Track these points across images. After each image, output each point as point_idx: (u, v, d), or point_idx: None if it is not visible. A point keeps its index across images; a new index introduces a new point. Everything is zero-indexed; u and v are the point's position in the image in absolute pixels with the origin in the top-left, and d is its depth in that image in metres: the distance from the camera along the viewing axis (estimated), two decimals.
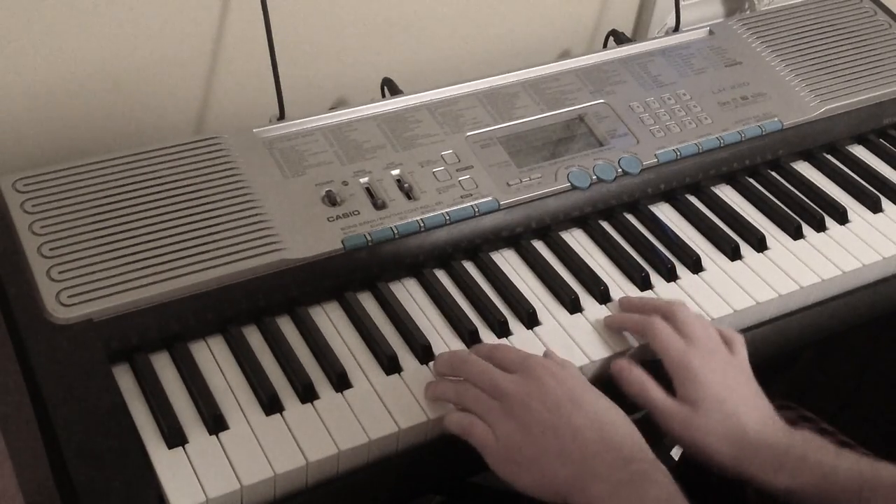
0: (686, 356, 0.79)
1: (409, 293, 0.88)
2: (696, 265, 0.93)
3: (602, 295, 0.89)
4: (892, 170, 1.07)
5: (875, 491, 0.75)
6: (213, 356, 0.81)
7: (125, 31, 0.98)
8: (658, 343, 0.81)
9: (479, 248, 0.92)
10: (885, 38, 1.15)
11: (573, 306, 0.88)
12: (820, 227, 0.98)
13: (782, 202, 1.01)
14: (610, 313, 0.87)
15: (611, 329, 0.85)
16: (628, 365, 0.81)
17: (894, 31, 1.16)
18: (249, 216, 0.85)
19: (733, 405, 0.78)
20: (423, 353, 0.82)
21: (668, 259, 0.93)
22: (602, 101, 1.03)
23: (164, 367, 0.79)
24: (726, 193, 1.02)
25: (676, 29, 1.24)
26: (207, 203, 0.85)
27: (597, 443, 0.71)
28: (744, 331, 0.91)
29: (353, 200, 0.89)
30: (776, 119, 1.04)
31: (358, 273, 0.86)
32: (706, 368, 0.79)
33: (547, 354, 0.80)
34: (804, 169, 1.06)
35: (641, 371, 0.81)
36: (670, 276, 0.92)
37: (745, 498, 0.93)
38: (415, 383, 0.80)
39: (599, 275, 0.91)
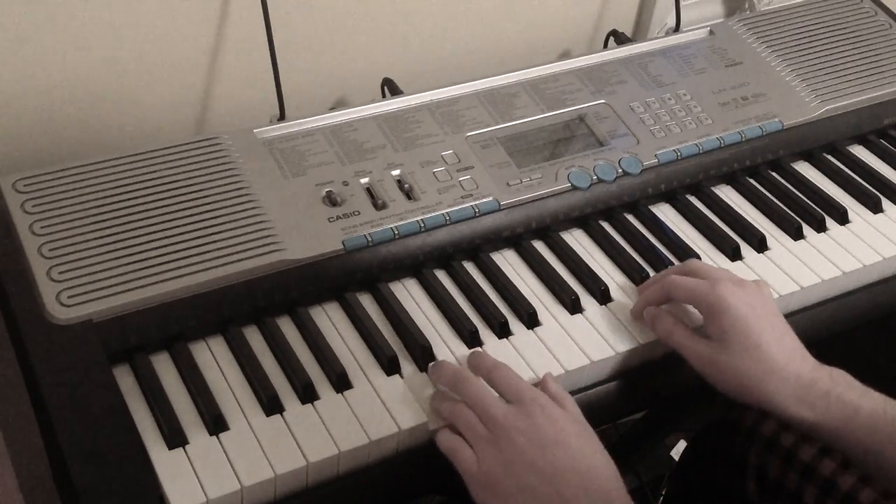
0: (714, 288, 0.81)
1: (410, 293, 0.88)
2: None
3: (602, 295, 0.89)
4: (892, 170, 1.07)
5: (894, 433, 0.76)
6: (213, 356, 0.81)
7: (126, 31, 0.98)
8: (683, 292, 0.83)
9: (479, 248, 0.92)
10: (885, 38, 1.15)
11: (573, 306, 0.88)
12: (820, 227, 0.98)
13: (783, 202, 1.01)
14: (611, 314, 0.87)
15: (637, 318, 0.86)
16: (659, 312, 0.84)
17: (894, 31, 1.16)
18: (249, 216, 0.85)
19: (760, 335, 0.79)
20: (424, 353, 0.82)
21: (669, 259, 0.93)
22: (602, 101, 1.03)
23: (164, 367, 0.79)
24: (727, 194, 1.02)
25: (677, 29, 1.24)
26: (207, 203, 0.85)
27: (576, 487, 0.71)
28: None
29: (354, 201, 0.89)
30: (776, 119, 1.04)
31: (358, 273, 0.86)
32: (734, 296, 0.80)
33: (547, 382, 0.79)
34: (804, 169, 1.06)
35: (672, 317, 0.83)
36: None
37: (745, 498, 0.93)
38: (415, 384, 0.80)
39: (600, 275, 0.91)
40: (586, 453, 0.73)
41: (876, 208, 1.02)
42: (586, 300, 0.89)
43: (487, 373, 0.78)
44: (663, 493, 1.30)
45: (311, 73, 1.11)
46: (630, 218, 0.97)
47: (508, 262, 0.92)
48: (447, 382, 0.78)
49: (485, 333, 0.85)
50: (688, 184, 1.00)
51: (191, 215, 0.84)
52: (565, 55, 1.24)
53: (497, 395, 0.77)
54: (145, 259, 0.81)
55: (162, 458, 0.73)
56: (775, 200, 1.01)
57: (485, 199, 0.92)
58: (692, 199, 1.01)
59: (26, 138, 0.99)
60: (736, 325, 0.79)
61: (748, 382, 0.79)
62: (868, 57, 1.13)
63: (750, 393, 0.79)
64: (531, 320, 0.86)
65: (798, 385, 0.78)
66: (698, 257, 0.93)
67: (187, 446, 0.74)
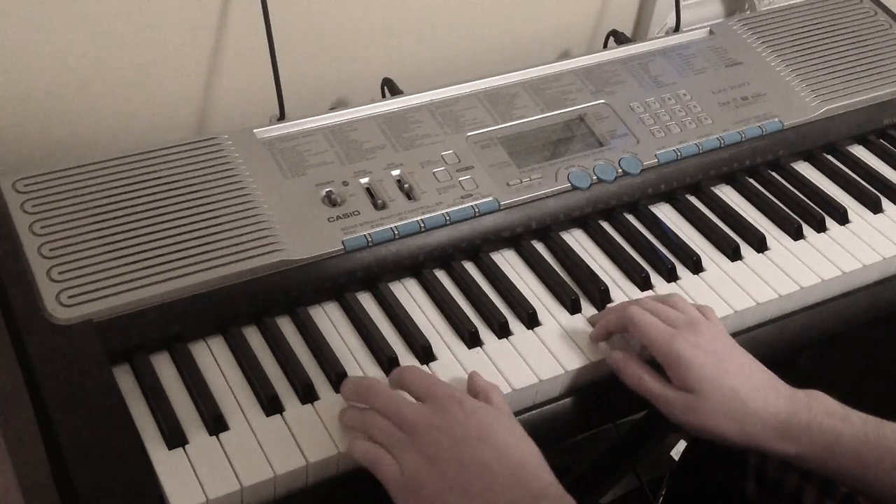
0: (673, 345, 0.79)
1: (410, 293, 0.88)
2: (696, 266, 0.93)
3: (602, 295, 0.89)
4: (892, 170, 1.07)
5: (880, 455, 0.76)
6: (213, 356, 0.81)
7: (126, 31, 0.98)
8: (641, 334, 0.81)
9: (479, 248, 0.92)
10: (885, 38, 1.15)
11: (573, 307, 0.88)
12: (820, 227, 0.98)
13: (782, 202, 1.01)
14: None
15: (595, 341, 0.85)
16: (625, 358, 0.81)
17: (894, 31, 1.16)
18: (249, 216, 0.85)
19: (730, 381, 0.78)
20: (424, 353, 0.82)
21: (669, 259, 0.93)
22: (602, 101, 1.03)
23: (164, 367, 0.79)
24: (726, 194, 1.02)
25: (676, 29, 1.24)
26: (207, 203, 0.85)
27: (504, 477, 0.68)
28: (744, 331, 0.91)
29: (354, 201, 0.89)
30: (776, 119, 1.04)
31: (358, 273, 0.86)
32: (695, 350, 0.78)
33: (473, 376, 0.78)
34: (804, 169, 1.06)
35: (638, 363, 0.81)
36: (670, 276, 0.92)
37: (745, 498, 0.93)
38: None
39: (599, 275, 0.91)
40: (511, 444, 0.71)
41: (876, 208, 1.02)
42: (586, 300, 0.89)
43: (397, 378, 0.76)
44: (663, 493, 1.30)
45: (311, 73, 1.11)
46: (630, 218, 0.97)
47: (508, 262, 0.92)
48: (354, 395, 0.76)
49: (485, 333, 0.85)
50: (688, 184, 1.00)
51: (191, 215, 0.84)
52: (565, 55, 1.24)
53: (408, 398, 0.74)
54: (145, 259, 0.81)
55: (162, 458, 0.73)
56: (775, 200, 1.01)
57: (485, 199, 0.92)
58: (692, 199, 1.01)
59: (26, 138, 0.99)
60: (703, 376, 0.77)
61: (729, 426, 0.77)
62: (868, 57, 1.13)
63: (731, 435, 0.78)
64: (531, 320, 0.86)
65: (778, 422, 0.77)
66: (698, 257, 0.93)
67: (187, 446, 0.74)
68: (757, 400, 0.77)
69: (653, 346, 0.80)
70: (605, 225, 0.97)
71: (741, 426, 0.77)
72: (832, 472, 0.79)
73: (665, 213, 0.99)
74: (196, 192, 0.86)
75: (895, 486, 0.76)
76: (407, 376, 0.76)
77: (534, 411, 0.83)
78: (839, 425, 0.77)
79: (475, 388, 0.76)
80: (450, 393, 0.73)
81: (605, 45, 1.22)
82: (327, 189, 0.89)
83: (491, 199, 0.92)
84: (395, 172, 0.92)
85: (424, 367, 0.82)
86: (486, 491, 0.68)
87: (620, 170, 0.97)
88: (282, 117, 1.02)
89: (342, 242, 0.86)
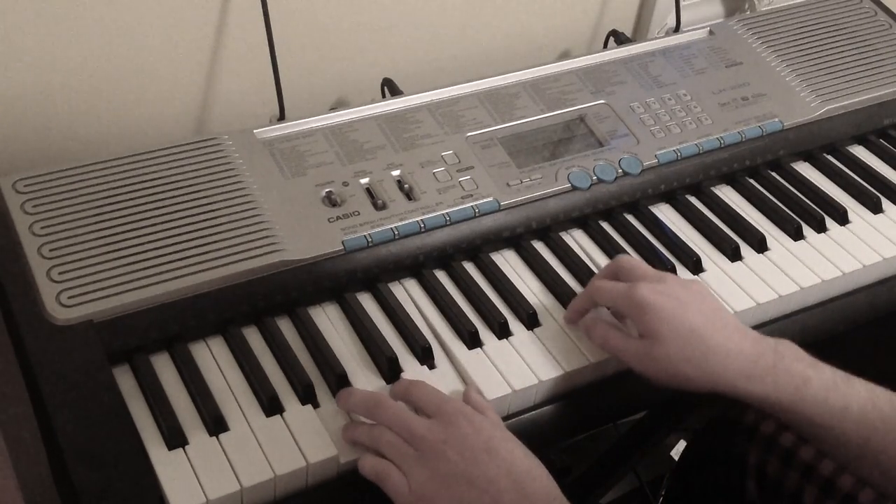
0: (632, 291, 0.78)
1: (409, 294, 0.88)
2: (696, 266, 0.93)
3: None
4: (892, 170, 1.07)
5: (847, 403, 0.76)
6: (213, 357, 0.81)
7: (126, 31, 0.98)
8: (606, 297, 0.81)
9: (479, 248, 0.92)
10: (885, 38, 1.15)
11: None
12: (820, 227, 0.98)
13: (782, 203, 1.01)
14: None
15: (569, 323, 0.85)
16: (594, 320, 0.82)
17: (894, 31, 1.16)
18: (249, 217, 0.85)
19: (690, 321, 0.77)
20: (423, 354, 0.82)
21: (668, 260, 0.93)
22: (602, 101, 1.03)
23: (164, 367, 0.79)
24: (726, 194, 1.02)
25: (677, 29, 1.24)
26: (207, 203, 0.85)
27: (511, 493, 0.69)
28: None
29: (354, 201, 0.89)
30: (776, 119, 1.04)
31: (358, 274, 0.86)
32: (656, 296, 0.78)
33: (469, 392, 0.78)
34: (804, 169, 1.06)
35: (607, 324, 0.81)
36: None
37: (745, 497, 0.93)
38: None
39: None
40: (517, 457, 0.72)
41: (876, 208, 1.02)
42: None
43: (404, 392, 0.76)
44: (663, 493, 1.30)
45: (311, 73, 1.11)
46: (630, 218, 0.97)
47: (508, 262, 0.92)
48: (362, 409, 0.76)
49: (485, 334, 0.85)
50: (688, 184, 1.00)
51: (191, 215, 0.84)
52: (565, 55, 1.24)
53: (416, 413, 0.75)
54: (145, 259, 0.81)
55: (162, 458, 0.73)
56: (775, 200, 1.01)
57: (485, 200, 0.92)
58: (692, 199, 1.01)
59: (26, 138, 0.99)
60: (662, 318, 0.77)
61: (690, 368, 0.76)
62: (868, 57, 1.13)
63: (695, 378, 0.77)
64: (531, 320, 0.86)
65: (742, 360, 0.76)
66: (698, 258, 0.93)
67: (187, 447, 0.74)
68: (718, 338, 0.76)
69: (616, 302, 0.80)
70: (605, 225, 0.97)
71: (702, 366, 0.76)
72: (797, 421, 0.77)
73: (665, 213, 0.99)
74: (196, 192, 0.86)
75: (861, 437, 0.76)
76: (415, 392, 0.76)
77: (534, 411, 0.82)
78: (807, 370, 0.76)
79: (472, 404, 0.76)
80: (458, 409, 0.74)
81: (605, 45, 1.23)
82: (327, 189, 0.89)
83: (491, 199, 0.92)
84: (395, 173, 0.92)
85: (424, 368, 0.82)
86: None
87: (620, 170, 0.97)
88: (282, 117, 1.03)
89: (342, 243, 0.86)
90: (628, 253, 0.93)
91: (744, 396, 0.77)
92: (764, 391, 0.76)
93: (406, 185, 0.91)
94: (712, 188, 1.02)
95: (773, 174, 1.04)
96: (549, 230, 0.94)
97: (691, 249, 0.94)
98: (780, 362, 0.76)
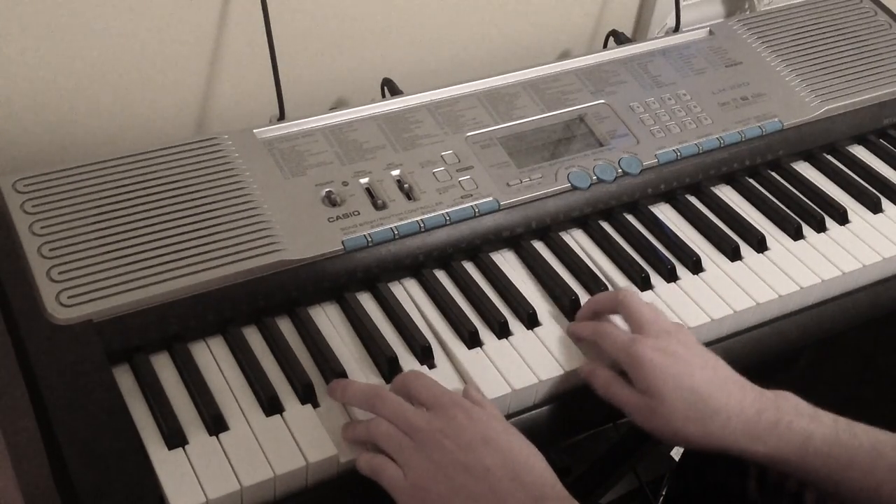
0: (633, 348, 0.78)
1: (409, 294, 0.88)
2: (696, 266, 0.93)
3: None
4: (892, 170, 1.07)
5: (852, 456, 0.75)
6: (213, 356, 0.81)
7: (126, 31, 0.98)
8: (606, 345, 0.81)
9: (479, 248, 0.92)
10: (885, 38, 1.15)
11: (573, 307, 0.88)
12: (820, 227, 0.98)
13: (782, 202, 1.01)
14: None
15: (575, 341, 0.85)
16: (593, 368, 0.81)
17: (894, 31, 1.16)
18: (249, 216, 0.85)
19: (690, 381, 0.76)
20: (423, 353, 0.82)
21: (669, 259, 0.93)
22: (602, 101, 1.03)
23: (164, 367, 0.79)
24: (726, 194, 1.02)
25: (676, 29, 1.24)
26: (207, 203, 0.85)
27: (508, 482, 0.69)
28: (744, 331, 0.91)
29: (354, 201, 0.89)
30: (776, 119, 1.04)
31: (358, 273, 0.86)
32: (655, 353, 0.77)
33: (468, 388, 0.78)
34: (804, 169, 1.06)
35: (607, 371, 0.81)
36: (670, 276, 0.92)
37: (745, 497, 0.94)
38: None
39: (599, 275, 0.91)
40: (515, 448, 0.72)
41: (876, 208, 1.02)
42: (586, 301, 0.88)
43: (402, 384, 0.76)
44: (663, 493, 1.30)
45: (311, 73, 1.11)
46: (630, 218, 0.97)
47: (508, 262, 0.92)
48: (360, 401, 0.76)
49: (484, 333, 0.85)
50: (688, 184, 1.00)
51: (191, 215, 0.84)
52: (565, 55, 1.24)
53: (414, 405, 0.75)
54: (145, 259, 0.81)
55: (162, 458, 0.73)
56: (775, 200, 1.01)
57: (485, 200, 0.92)
58: (692, 199, 1.01)
59: (26, 138, 0.99)
60: (663, 378, 0.76)
61: (692, 428, 0.76)
62: (868, 57, 1.13)
63: (697, 439, 0.76)
64: (531, 320, 0.86)
65: (743, 421, 0.76)
66: (698, 257, 0.93)
67: (187, 446, 0.74)
68: (719, 398, 0.76)
69: (616, 353, 0.80)
70: (605, 225, 0.97)
71: (704, 427, 0.76)
72: (804, 475, 0.77)
73: (665, 213, 0.99)
74: (196, 192, 0.86)
75: (869, 487, 0.75)
76: (413, 383, 0.76)
77: (534, 411, 0.82)
78: (809, 425, 0.76)
79: (471, 399, 0.76)
80: (455, 400, 0.74)
81: (605, 45, 1.22)
82: (327, 189, 0.89)
83: (491, 199, 0.92)
84: (395, 172, 0.92)
85: (424, 367, 0.82)
86: (490, 495, 0.69)
87: (620, 170, 0.97)
88: (282, 117, 1.02)
89: (342, 242, 0.86)
90: (628, 253, 0.93)
91: (749, 456, 0.77)
92: (767, 451, 0.76)
93: (406, 185, 0.91)
94: (712, 188, 1.02)
95: (773, 174, 1.04)
96: (548, 230, 0.94)
97: (691, 249, 0.94)
98: (781, 419, 0.76)
